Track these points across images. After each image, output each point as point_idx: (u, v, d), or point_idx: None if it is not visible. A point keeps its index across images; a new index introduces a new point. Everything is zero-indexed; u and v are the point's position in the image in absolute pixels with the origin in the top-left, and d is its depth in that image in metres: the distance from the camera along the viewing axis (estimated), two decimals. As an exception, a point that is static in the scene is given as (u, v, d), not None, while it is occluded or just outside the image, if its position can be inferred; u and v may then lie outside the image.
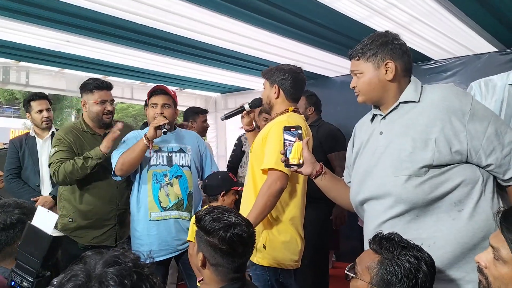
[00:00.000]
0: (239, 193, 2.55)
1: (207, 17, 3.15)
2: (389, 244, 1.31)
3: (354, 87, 1.66)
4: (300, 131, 1.74)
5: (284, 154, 1.73)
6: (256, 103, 2.45)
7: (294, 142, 1.73)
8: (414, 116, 1.55)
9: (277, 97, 2.27)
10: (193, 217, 2.51)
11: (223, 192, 2.55)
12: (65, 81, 4.68)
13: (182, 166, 2.66)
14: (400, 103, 1.59)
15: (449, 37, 3.67)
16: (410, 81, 1.62)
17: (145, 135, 2.49)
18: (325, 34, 3.55)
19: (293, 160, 1.73)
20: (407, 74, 1.62)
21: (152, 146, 2.54)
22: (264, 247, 2.08)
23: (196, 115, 4.23)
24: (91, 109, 2.70)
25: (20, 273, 1.07)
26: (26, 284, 1.06)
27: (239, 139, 4.11)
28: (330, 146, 3.45)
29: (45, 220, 1.08)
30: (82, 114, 2.82)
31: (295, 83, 2.27)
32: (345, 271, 1.38)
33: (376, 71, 1.59)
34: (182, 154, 2.68)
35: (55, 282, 0.81)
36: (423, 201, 1.49)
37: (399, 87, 1.60)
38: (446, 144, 1.46)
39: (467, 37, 3.65)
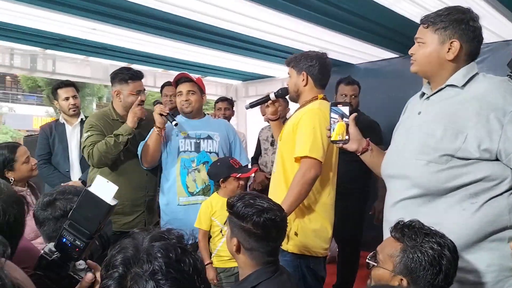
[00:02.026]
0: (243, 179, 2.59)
1: (229, 3, 3.14)
2: (411, 231, 1.30)
3: (412, 54, 1.62)
4: (347, 107, 1.74)
5: (329, 129, 1.74)
6: (282, 93, 2.42)
7: (340, 118, 1.73)
8: (454, 104, 1.52)
9: (306, 85, 2.25)
10: (203, 203, 2.56)
11: (221, 179, 2.56)
12: (89, 69, 4.76)
13: (210, 152, 2.70)
14: (447, 85, 1.56)
15: (478, 22, 3.58)
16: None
17: (155, 123, 2.57)
18: (349, 20, 3.49)
19: (337, 136, 1.73)
20: (469, 58, 1.55)
21: (163, 133, 2.62)
22: (296, 234, 2.09)
23: None
24: (126, 99, 2.73)
25: (73, 233, 1.13)
26: (78, 243, 1.12)
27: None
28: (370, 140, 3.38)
29: (104, 189, 1.13)
30: (112, 102, 2.85)
31: (322, 69, 2.26)
32: (367, 260, 1.38)
33: (439, 46, 1.54)
34: (210, 141, 2.72)
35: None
36: (437, 188, 1.49)
37: (456, 69, 1.55)
38: (476, 141, 1.43)
39: (496, 22, 3.56)
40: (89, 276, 1.14)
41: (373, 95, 4.65)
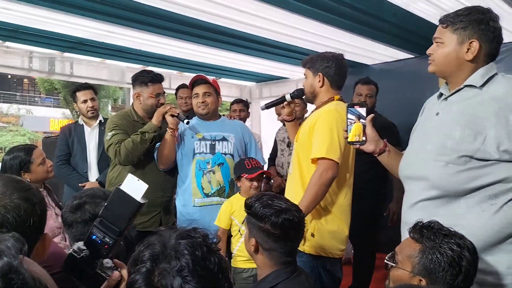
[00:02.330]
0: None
1: (243, 5, 3.16)
2: (430, 232, 1.30)
3: (430, 54, 1.61)
4: (364, 108, 1.73)
5: (346, 131, 1.74)
6: (298, 94, 2.43)
7: (357, 119, 1.73)
8: (473, 105, 1.50)
9: (322, 86, 2.25)
10: (224, 203, 2.58)
11: (235, 178, 2.63)
12: (106, 72, 4.82)
13: (225, 154, 2.72)
14: (465, 86, 1.54)
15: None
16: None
17: (168, 125, 2.61)
18: (363, 20, 3.47)
19: (354, 137, 1.73)
20: (488, 59, 1.54)
21: (177, 134, 2.65)
22: (313, 235, 2.10)
23: None
24: (146, 102, 2.78)
25: (103, 230, 1.15)
26: (108, 240, 1.14)
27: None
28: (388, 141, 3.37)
29: (134, 187, 1.16)
30: (133, 104, 2.90)
31: (339, 70, 2.25)
32: (385, 261, 1.38)
33: (458, 46, 1.53)
34: (225, 143, 2.74)
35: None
36: (456, 190, 1.48)
37: (475, 69, 1.54)
38: (495, 142, 1.42)
39: (515, 21, 3.51)
40: (116, 274, 1.16)
41: (389, 96, 4.62)
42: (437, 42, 1.59)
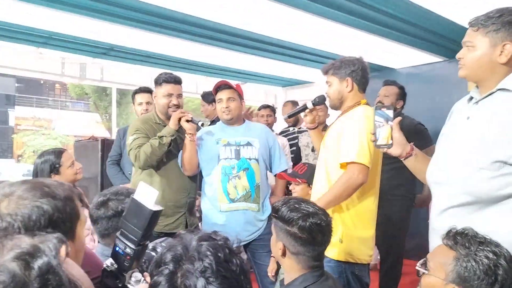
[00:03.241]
0: None
1: (268, 10, 3.17)
2: (464, 239, 1.26)
3: (460, 58, 1.57)
4: (391, 111, 1.71)
5: (374, 134, 1.71)
6: (320, 100, 2.41)
7: (384, 122, 1.70)
8: (506, 109, 1.46)
9: (351, 90, 2.23)
10: None
11: None
12: (135, 76, 4.93)
13: (250, 159, 2.71)
14: (498, 89, 1.50)
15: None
16: None
17: (186, 132, 2.65)
18: (389, 23, 3.43)
19: (382, 140, 1.70)
20: None
21: (195, 138, 2.68)
22: (341, 241, 2.07)
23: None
24: (159, 102, 2.81)
25: (124, 241, 1.17)
26: (129, 251, 1.16)
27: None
28: (416, 144, 3.31)
29: (146, 195, 1.17)
30: (155, 107, 2.95)
31: (365, 73, 2.25)
32: (416, 267, 1.35)
33: (491, 49, 1.49)
34: (249, 148, 2.73)
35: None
36: (488, 196, 1.43)
37: (508, 73, 1.50)
38: None
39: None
40: (143, 286, 1.16)
41: (417, 99, 4.54)
42: (467, 46, 1.55)
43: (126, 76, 4.96)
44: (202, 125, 2.67)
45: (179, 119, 2.68)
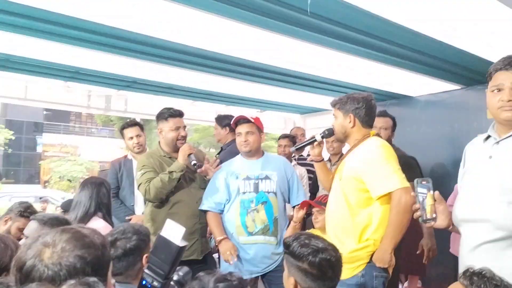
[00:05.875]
0: None
1: (286, 44, 3.26)
2: (480, 281, 1.26)
3: (510, 100, 1.55)
4: (430, 184, 1.68)
5: (421, 208, 1.67)
6: (329, 133, 2.45)
7: (427, 192, 1.67)
8: None
9: (353, 126, 2.30)
10: None
11: None
12: (157, 107, 5.08)
13: (268, 192, 2.75)
14: None
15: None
16: None
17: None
18: (405, 55, 3.47)
19: (428, 214, 1.66)
20: None
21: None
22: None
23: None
24: (167, 135, 2.93)
25: (151, 275, 1.25)
26: (156, 284, 1.24)
27: None
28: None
29: (173, 232, 1.25)
30: (160, 141, 3.05)
31: (369, 111, 2.31)
32: None
33: None
34: (268, 181, 2.78)
35: None
36: None
37: None
38: None
39: None
40: None
41: (435, 127, 4.55)
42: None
43: (148, 106, 5.12)
44: (194, 165, 2.77)
45: (185, 151, 2.79)
